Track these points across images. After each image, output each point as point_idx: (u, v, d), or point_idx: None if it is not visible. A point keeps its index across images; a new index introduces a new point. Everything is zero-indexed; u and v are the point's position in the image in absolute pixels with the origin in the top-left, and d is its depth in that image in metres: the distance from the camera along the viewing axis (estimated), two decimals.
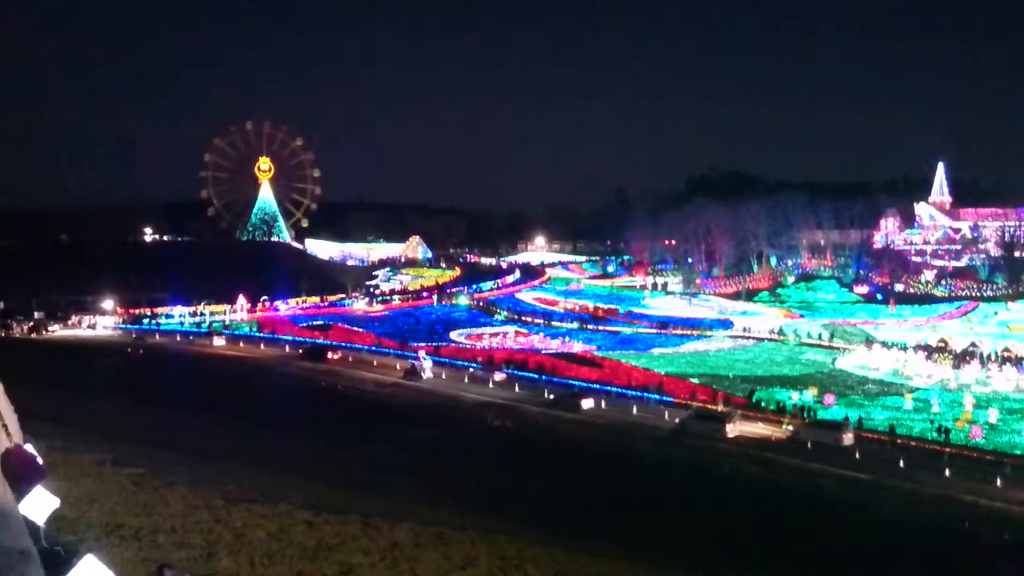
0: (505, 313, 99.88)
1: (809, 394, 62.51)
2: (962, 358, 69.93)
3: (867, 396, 63.47)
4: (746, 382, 67.36)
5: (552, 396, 61.38)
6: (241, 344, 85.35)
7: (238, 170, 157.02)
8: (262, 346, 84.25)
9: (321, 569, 13.99)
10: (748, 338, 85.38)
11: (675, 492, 37.83)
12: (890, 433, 53.41)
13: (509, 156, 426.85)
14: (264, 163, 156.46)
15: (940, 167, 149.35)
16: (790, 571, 27.34)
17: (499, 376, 67.59)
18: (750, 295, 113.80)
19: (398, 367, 71.66)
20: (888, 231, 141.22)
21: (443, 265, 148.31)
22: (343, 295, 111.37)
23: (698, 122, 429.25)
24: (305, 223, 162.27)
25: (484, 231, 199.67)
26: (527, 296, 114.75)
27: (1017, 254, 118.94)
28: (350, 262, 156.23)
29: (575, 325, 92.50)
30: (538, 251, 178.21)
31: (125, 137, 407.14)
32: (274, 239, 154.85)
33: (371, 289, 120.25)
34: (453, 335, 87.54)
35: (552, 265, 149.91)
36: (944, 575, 29.37)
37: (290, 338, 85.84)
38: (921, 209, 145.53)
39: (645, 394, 61.30)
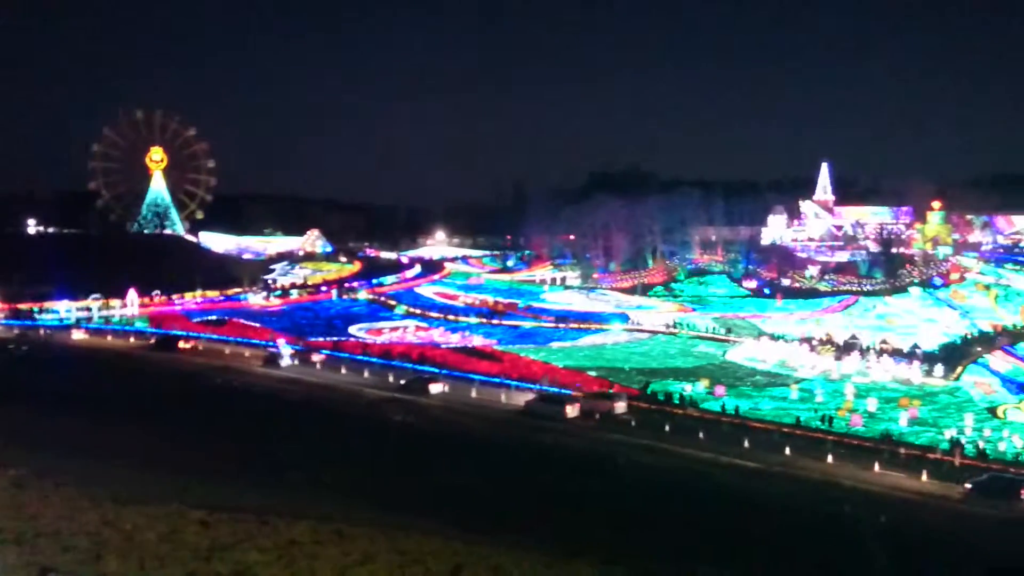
0: (405, 308, 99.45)
1: (701, 385, 64.46)
2: (843, 350, 73.23)
3: (755, 387, 65.83)
4: (641, 374, 68.93)
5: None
6: (109, 338, 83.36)
7: (129, 160, 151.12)
8: (132, 339, 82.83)
9: (215, 569, 13.78)
10: (643, 331, 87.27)
11: (526, 474, 38.83)
12: (776, 422, 55.86)
13: (409, 150, 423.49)
14: (156, 153, 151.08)
15: (824, 167, 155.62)
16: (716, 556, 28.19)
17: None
18: (645, 289, 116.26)
19: (255, 356, 73.36)
20: (776, 228, 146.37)
21: (343, 259, 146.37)
22: (239, 289, 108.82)
23: (597, 120, 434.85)
24: (200, 215, 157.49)
25: (384, 225, 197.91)
26: (427, 291, 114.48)
27: (894, 250, 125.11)
28: (246, 256, 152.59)
29: (475, 319, 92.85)
30: (438, 245, 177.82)
31: (11, 126, 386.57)
32: (167, 231, 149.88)
33: (268, 283, 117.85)
34: (352, 330, 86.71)
35: (452, 260, 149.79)
36: (826, 554, 30.73)
37: (151, 329, 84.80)
38: (806, 207, 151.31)
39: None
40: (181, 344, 78.47)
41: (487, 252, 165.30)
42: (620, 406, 57.16)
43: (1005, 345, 74.78)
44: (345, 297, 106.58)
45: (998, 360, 71.28)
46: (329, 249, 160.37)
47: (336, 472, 36.20)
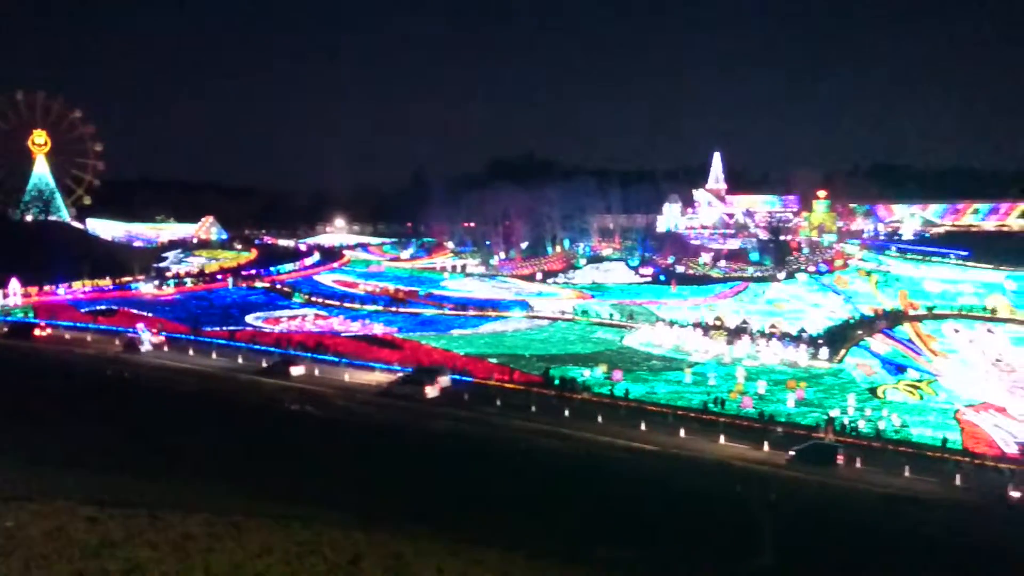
0: (304, 296, 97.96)
1: (599, 370, 65.72)
2: (735, 334, 75.63)
3: (652, 371, 67.49)
4: (542, 361, 69.76)
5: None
6: None
7: (10, 144, 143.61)
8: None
9: (104, 567, 13.45)
10: (543, 318, 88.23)
11: (418, 461, 39.25)
12: (671, 405, 57.52)
13: (307, 135, 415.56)
14: (39, 136, 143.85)
15: (716, 157, 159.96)
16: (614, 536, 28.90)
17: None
18: (545, 276, 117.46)
19: (117, 342, 72.78)
20: (670, 216, 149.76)
21: (238, 247, 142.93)
22: (131, 278, 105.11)
23: (496, 108, 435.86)
24: (87, 201, 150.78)
25: (281, 212, 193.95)
26: (326, 278, 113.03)
27: (782, 238, 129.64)
28: (137, 243, 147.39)
29: (375, 307, 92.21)
30: (338, 233, 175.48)
31: None
32: (52, 218, 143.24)
33: (161, 272, 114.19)
34: (249, 319, 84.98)
35: (352, 247, 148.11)
36: (720, 531, 31.86)
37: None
38: (699, 196, 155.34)
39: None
40: (36, 332, 76.27)
41: (387, 240, 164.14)
42: (443, 381, 60.26)
43: (884, 328, 78.49)
44: (242, 285, 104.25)
45: (878, 343, 74.81)
46: (224, 236, 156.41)
47: (230, 463, 35.57)
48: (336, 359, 67.64)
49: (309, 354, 68.47)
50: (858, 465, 46.52)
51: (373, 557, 15.93)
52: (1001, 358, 73.29)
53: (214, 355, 69.04)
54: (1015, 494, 41.74)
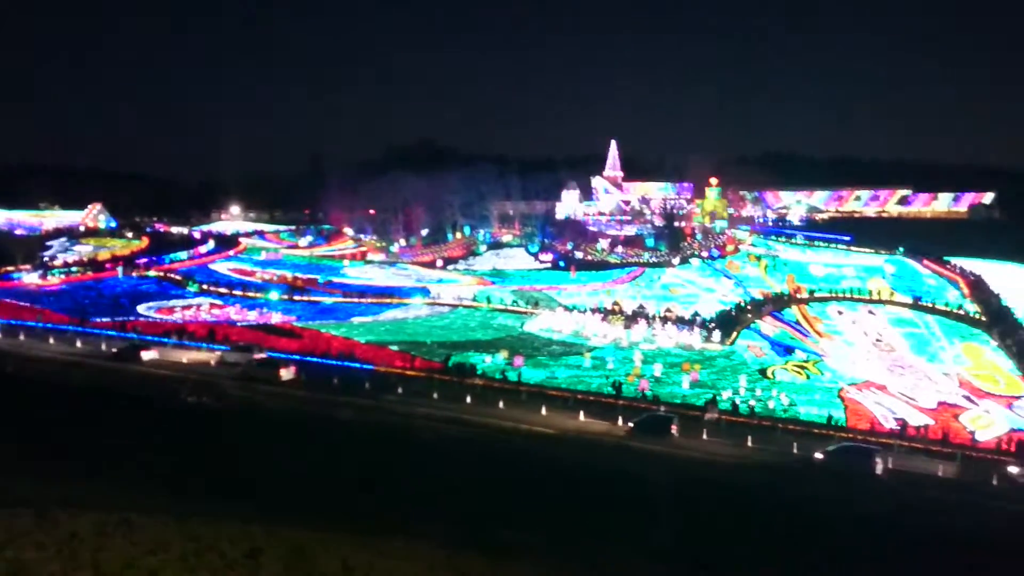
0: (199, 285, 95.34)
1: (500, 356, 66.28)
2: (632, 319, 77.26)
3: (552, 356, 68.44)
4: (443, 347, 69.87)
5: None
6: None
7: None
8: None
9: None
10: (444, 305, 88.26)
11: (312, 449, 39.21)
12: (571, 390, 58.60)
13: (199, 121, 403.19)
14: None
15: (612, 144, 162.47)
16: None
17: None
18: (446, 263, 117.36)
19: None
20: (569, 203, 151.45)
21: (129, 235, 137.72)
22: (12, 268, 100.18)
23: (395, 94, 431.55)
24: None
25: (173, 199, 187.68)
26: (222, 267, 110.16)
27: (677, 224, 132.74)
28: (19, 231, 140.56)
29: (273, 296, 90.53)
30: (233, 220, 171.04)
31: None
32: None
33: (45, 261, 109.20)
34: (141, 309, 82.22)
35: (248, 235, 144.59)
36: (620, 510, 32.68)
37: None
38: (597, 183, 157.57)
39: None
40: None
41: (285, 227, 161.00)
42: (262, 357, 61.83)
43: (773, 311, 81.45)
44: (132, 275, 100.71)
45: (767, 325, 77.62)
46: (113, 224, 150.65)
47: (122, 459, 34.54)
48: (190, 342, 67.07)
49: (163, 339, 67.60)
50: (704, 437, 49.28)
51: (273, 551, 15.82)
52: (881, 338, 77.05)
53: (79, 343, 67.16)
54: (819, 456, 45.60)
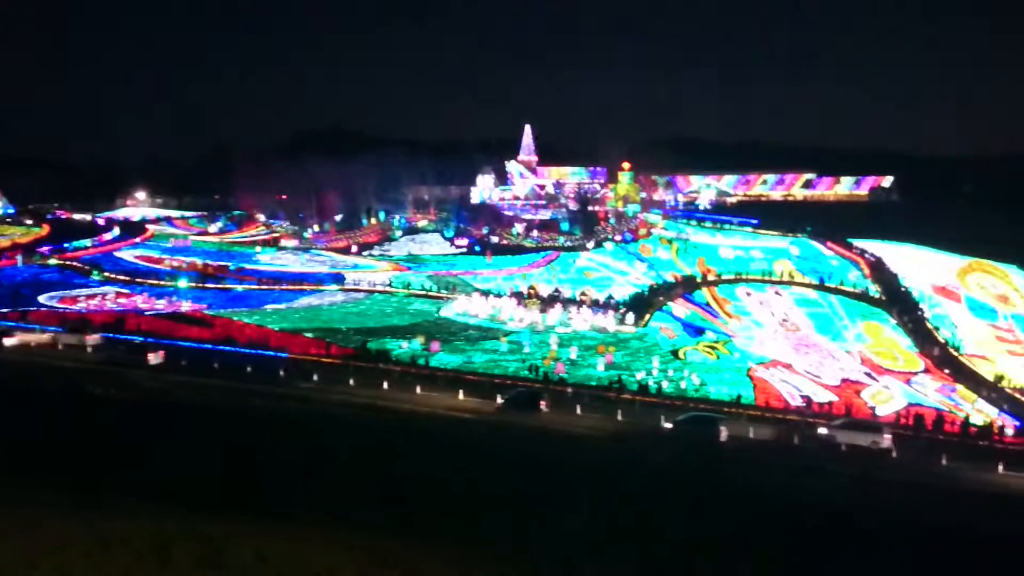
0: (104, 273, 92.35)
1: (417, 342, 66.26)
2: (548, 303, 77.99)
3: (469, 341, 68.73)
4: (359, 334, 69.47)
5: None
6: None
7: None
8: None
9: None
10: (360, 291, 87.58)
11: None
12: (488, 374, 59.14)
13: (102, 102, 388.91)
14: None
15: (527, 129, 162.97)
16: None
17: None
18: (361, 249, 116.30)
19: None
20: (484, 187, 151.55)
21: (28, 222, 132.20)
22: None
23: (304, 78, 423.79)
24: None
25: (76, 184, 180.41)
26: (128, 254, 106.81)
27: (590, 208, 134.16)
28: None
29: (183, 283, 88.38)
30: (140, 206, 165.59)
31: None
32: None
33: None
34: (43, 299, 79.29)
35: (156, 221, 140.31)
36: (539, 493, 33.09)
37: None
38: (512, 167, 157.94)
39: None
40: None
41: (194, 213, 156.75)
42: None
43: (684, 293, 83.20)
44: (33, 263, 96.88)
45: (679, 307, 79.28)
46: (11, 210, 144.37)
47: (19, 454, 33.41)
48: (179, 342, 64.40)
49: (146, 338, 65.01)
50: (578, 411, 51.42)
51: (184, 544, 15.64)
52: (787, 318, 79.57)
53: None
54: (668, 425, 48.54)
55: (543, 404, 51.66)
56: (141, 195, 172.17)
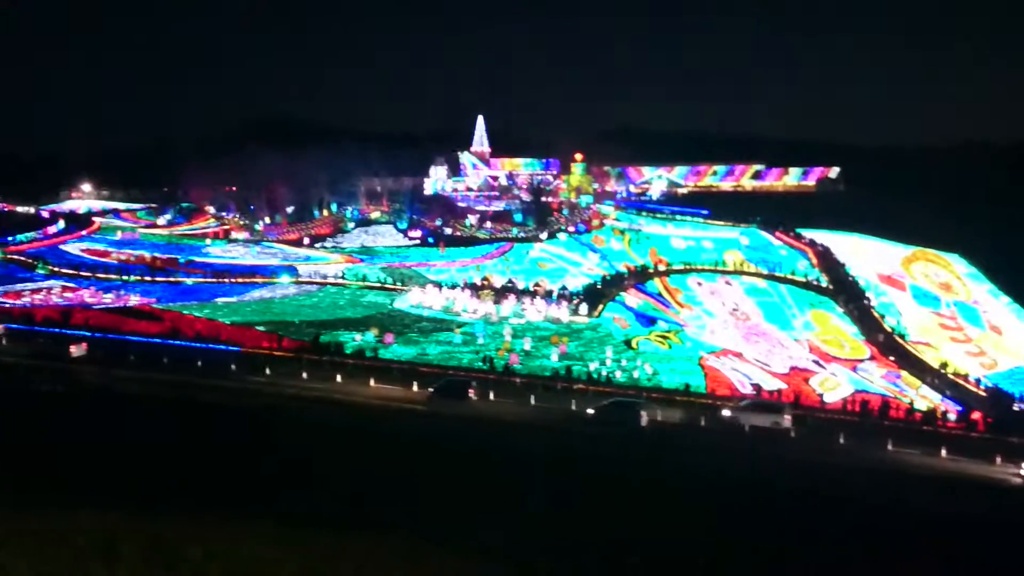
0: (49, 267, 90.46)
1: (371, 334, 66.03)
2: (501, 294, 78.22)
3: (422, 333, 68.67)
4: (312, 326, 69.05)
5: None
6: None
7: None
8: None
9: None
10: (312, 283, 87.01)
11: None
12: (442, 365, 59.05)
13: (43, 95, 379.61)
14: None
15: (480, 120, 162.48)
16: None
17: None
18: (313, 241, 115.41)
19: None
20: (437, 178, 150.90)
21: None
22: None
23: (251, 70, 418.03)
24: None
25: (17, 176, 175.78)
26: (74, 248, 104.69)
27: (544, 199, 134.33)
28: None
29: (131, 277, 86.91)
30: (86, 198, 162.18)
31: None
32: None
33: None
34: None
35: (102, 213, 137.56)
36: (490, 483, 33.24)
37: None
38: (464, 158, 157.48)
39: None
40: None
41: (142, 206, 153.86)
42: None
43: (637, 284, 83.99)
44: None
45: (631, 297, 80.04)
46: None
47: None
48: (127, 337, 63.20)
49: (93, 333, 63.61)
50: (491, 397, 52.30)
51: (131, 540, 15.44)
52: (737, 307, 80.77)
53: None
54: (591, 411, 49.16)
55: (472, 392, 52.13)
56: (87, 187, 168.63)
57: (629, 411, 48.52)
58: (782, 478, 37.25)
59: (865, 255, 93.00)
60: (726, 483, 33.67)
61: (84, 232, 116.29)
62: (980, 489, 39.74)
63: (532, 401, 52.17)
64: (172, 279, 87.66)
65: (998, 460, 45.04)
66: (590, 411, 49.01)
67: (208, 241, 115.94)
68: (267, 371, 56.21)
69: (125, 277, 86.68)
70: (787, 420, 49.97)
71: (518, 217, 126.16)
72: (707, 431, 48.78)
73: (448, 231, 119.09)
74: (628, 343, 67.88)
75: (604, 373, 59.54)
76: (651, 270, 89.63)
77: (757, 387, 61.68)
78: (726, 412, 51.29)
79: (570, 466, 34.90)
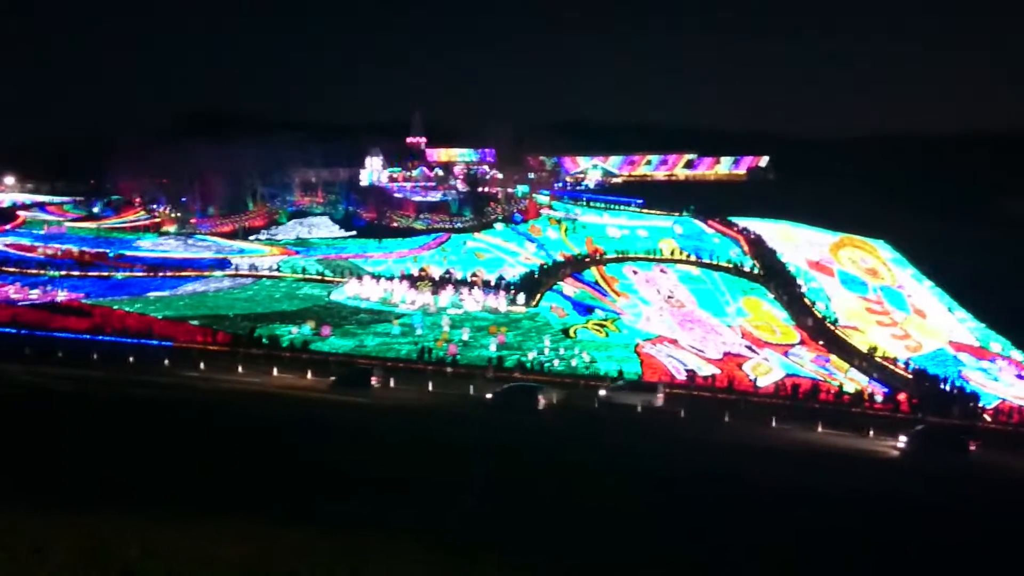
0: None
1: (307, 327, 65.59)
2: (439, 285, 78.26)
3: (360, 325, 68.44)
4: (247, 320, 68.31)
5: None
6: None
7: None
8: None
9: None
10: (247, 276, 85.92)
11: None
12: (380, 357, 59.09)
13: None
14: None
15: (416, 111, 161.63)
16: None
17: None
18: (247, 233, 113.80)
19: None
20: (373, 169, 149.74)
21: None
22: None
23: (183, 61, 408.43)
24: None
25: None
26: None
27: (480, 190, 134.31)
28: None
29: (58, 272, 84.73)
30: (9, 191, 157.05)
31: None
32: None
33: None
34: None
35: (27, 207, 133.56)
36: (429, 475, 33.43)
37: None
38: (401, 149, 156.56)
39: None
40: None
41: (69, 199, 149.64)
42: None
43: (574, 273, 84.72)
44: None
45: (568, 286, 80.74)
46: None
47: None
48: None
49: (20, 330, 62.84)
50: (391, 385, 53.32)
51: (65, 540, 15.32)
52: (673, 295, 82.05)
53: None
54: (489, 396, 50.19)
55: (375, 380, 52.61)
56: (10, 180, 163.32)
57: (527, 395, 49.39)
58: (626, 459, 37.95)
59: (795, 242, 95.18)
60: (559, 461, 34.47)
61: (8, 226, 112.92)
62: (840, 461, 41.34)
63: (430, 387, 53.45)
64: (101, 274, 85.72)
65: (870, 433, 48.53)
66: (489, 396, 49.89)
67: (139, 234, 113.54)
68: (201, 365, 55.54)
69: (52, 272, 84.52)
70: (660, 399, 51.83)
71: (455, 208, 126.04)
72: (583, 410, 50.61)
73: (385, 222, 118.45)
74: (566, 332, 68.57)
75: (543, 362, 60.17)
76: (588, 259, 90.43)
77: (692, 373, 62.93)
78: (602, 392, 52.98)
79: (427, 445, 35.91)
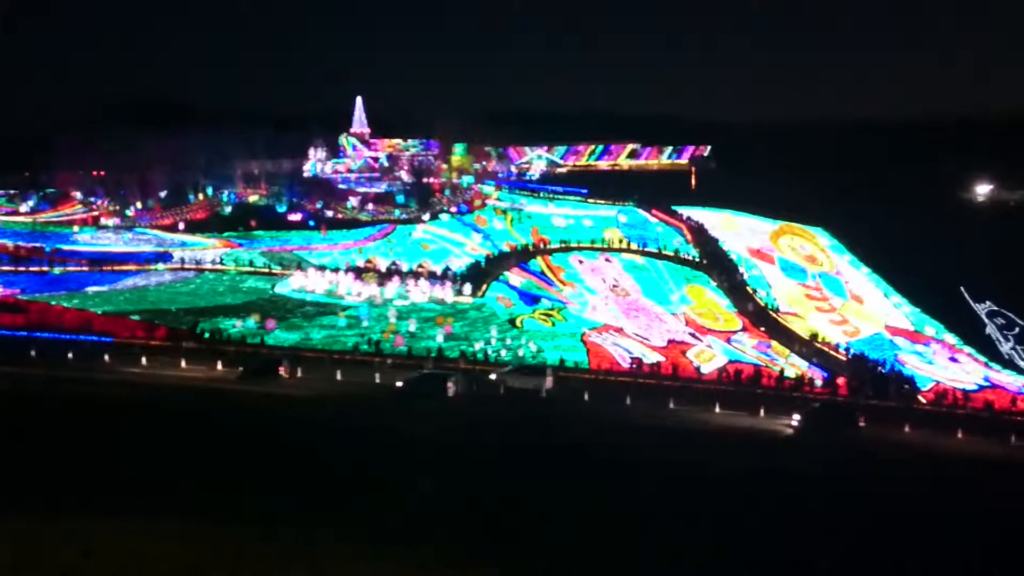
0: None
1: (252, 320, 64.97)
2: (386, 276, 78.05)
3: (306, 318, 68.01)
4: (189, 314, 67.43)
5: None
6: None
7: None
8: None
9: None
10: (189, 270, 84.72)
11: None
12: (326, 350, 58.86)
13: None
14: None
15: (359, 101, 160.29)
16: None
17: None
18: (189, 226, 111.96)
19: None
20: (317, 161, 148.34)
21: None
22: None
23: (122, 50, 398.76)
24: None
25: None
26: None
27: (425, 180, 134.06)
28: None
29: None
30: None
31: None
32: None
33: None
34: None
35: None
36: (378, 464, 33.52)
37: None
38: (344, 140, 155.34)
39: None
40: None
41: (1, 191, 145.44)
42: None
43: (520, 263, 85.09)
44: None
45: (515, 276, 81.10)
46: None
47: None
48: None
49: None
50: (299, 374, 53.82)
51: (52, 542, 15.22)
52: (617, 284, 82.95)
53: None
54: (399, 383, 51.11)
55: (283, 370, 52.88)
56: None
57: (437, 382, 49.87)
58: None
59: (736, 230, 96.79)
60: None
61: None
62: (724, 437, 44.36)
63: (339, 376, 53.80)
64: (37, 269, 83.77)
65: (761, 413, 50.45)
66: (399, 383, 50.31)
67: (76, 228, 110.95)
68: (143, 361, 54.78)
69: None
70: (548, 383, 52.93)
71: (400, 198, 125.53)
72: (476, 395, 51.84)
73: (329, 214, 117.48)
74: (512, 322, 68.98)
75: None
76: (533, 249, 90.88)
77: (638, 360, 63.79)
78: (492, 376, 53.97)
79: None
